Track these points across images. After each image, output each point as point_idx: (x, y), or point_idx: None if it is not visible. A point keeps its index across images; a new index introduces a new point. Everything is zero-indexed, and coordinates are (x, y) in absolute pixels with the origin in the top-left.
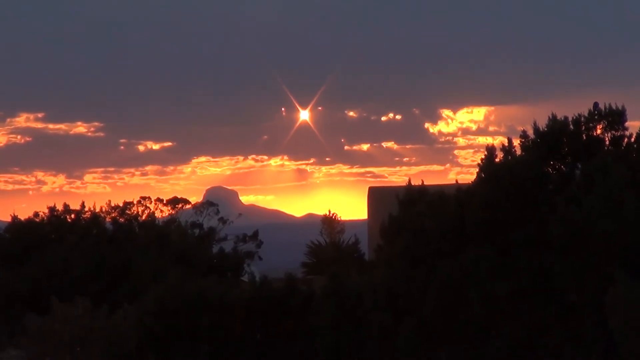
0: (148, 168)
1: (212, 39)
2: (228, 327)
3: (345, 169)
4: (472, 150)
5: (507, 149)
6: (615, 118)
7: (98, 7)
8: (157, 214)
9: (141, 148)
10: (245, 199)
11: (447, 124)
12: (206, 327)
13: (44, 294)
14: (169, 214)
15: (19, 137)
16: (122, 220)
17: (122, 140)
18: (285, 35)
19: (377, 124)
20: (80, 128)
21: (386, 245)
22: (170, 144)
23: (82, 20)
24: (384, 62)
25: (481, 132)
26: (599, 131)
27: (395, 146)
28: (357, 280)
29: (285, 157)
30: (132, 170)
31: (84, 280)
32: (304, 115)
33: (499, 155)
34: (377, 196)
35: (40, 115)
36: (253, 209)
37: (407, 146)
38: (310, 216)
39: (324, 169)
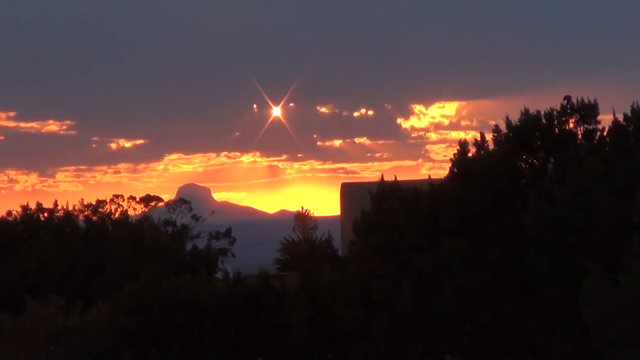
0: (120, 166)
1: (183, 37)
2: (202, 324)
3: (318, 165)
4: (444, 145)
5: (480, 144)
6: (588, 112)
7: (69, 7)
8: (130, 212)
9: (113, 146)
10: (218, 196)
11: (419, 119)
12: (180, 324)
13: (18, 292)
14: (142, 212)
15: None
16: (95, 218)
17: (94, 138)
18: (257, 32)
19: (349, 120)
20: (52, 126)
21: (359, 241)
22: (142, 141)
23: (54, 18)
24: (356, 58)
25: (453, 126)
26: (571, 125)
27: (368, 142)
28: (331, 276)
29: (258, 154)
30: (104, 168)
31: (57, 278)
32: (276, 111)
33: (472, 150)
34: (350, 192)
35: (12, 113)
36: (226, 206)
37: (380, 142)
38: (283, 213)
39: (296, 165)
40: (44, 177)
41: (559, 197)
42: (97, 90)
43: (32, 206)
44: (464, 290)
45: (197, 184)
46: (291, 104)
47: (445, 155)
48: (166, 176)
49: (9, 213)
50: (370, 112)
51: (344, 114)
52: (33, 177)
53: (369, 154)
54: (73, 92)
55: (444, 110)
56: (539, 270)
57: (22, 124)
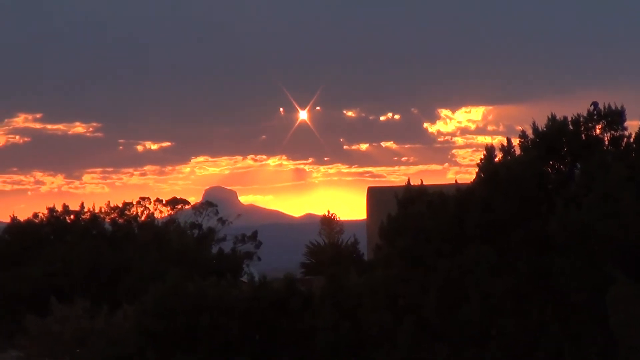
0: (147, 168)
1: (210, 39)
2: (227, 328)
3: (344, 168)
4: (470, 150)
5: (506, 149)
6: (615, 118)
7: (96, 7)
8: (157, 215)
9: (140, 148)
10: (244, 199)
11: (446, 123)
12: (205, 328)
13: (44, 294)
14: (168, 215)
15: (17, 137)
16: (121, 220)
17: (120, 141)
18: (284, 35)
19: (375, 124)
20: (79, 128)
21: (385, 246)
22: (168, 144)
23: (80, 20)
24: (383, 62)
25: (480, 131)
26: (598, 131)
27: (394, 146)
28: (356, 280)
29: (284, 157)
30: (130, 170)
31: (83, 280)
32: (303, 115)
33: (498, 155)
34: (376, 196)
35: (38, 115)
36: (252, 209)
37: (406, 146)
38: (309, 216)
39: (322, 168)
40: (70, 178)
41: (586, 203)
42: (123, 93)
43: (59, 208)
44: (490, 296)
45: (224, 186)
46: (318, 108)
47: (471, 160)
48: (192, 179)
49: (36, 215)
50: (396, 116)
51: (370, 118)
52: (59, 179)
53: (395, 158)
54: (99, 94)
55: (471, 115)
56: (564, 276)
57: (49, 126)
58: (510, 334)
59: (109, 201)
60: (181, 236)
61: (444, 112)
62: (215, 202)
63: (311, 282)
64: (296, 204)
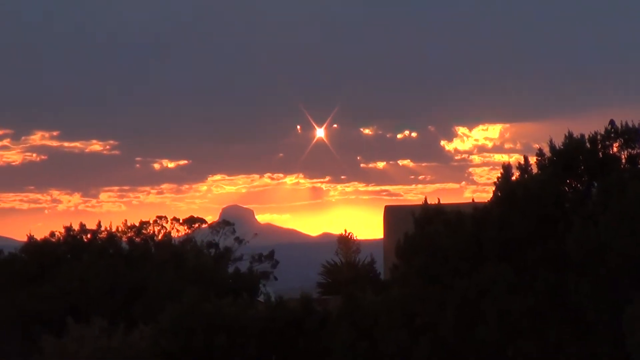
0: (164, 186)
1: (228, 57)
2: (243, 347)
3: (361, 187)
4: (487, 168)
5: (524, 167)
6: (632, 136)
7: (113, 26)
8: (174, 234)
9: (157, 166)
10: (261, 217)
11: (463, 141)
12: (222, 347)
13: (60, 313)
14: (185, 234)
15: (34, 155)
16: (138, 239)
17: (137, 159)
18: (301, 53)
19: (392, 142)
20: (96, 146)
21: (402, 264)
22: (185, 162)
23: (97, 38)
24: (400, 79)
25: (497, 149)
26: (615, 149)
27: (411, 164)
28: (373, 299)
29: (301, 175)
30: (147, 188)
31: (100, 299)
32: (320, 133)
33: (515, 174)
34: (394, 215)
35: (55, 133)
36: (269, 228)
37: (423, 164)
38: (325, 235)
39: (339, 187)
40: (87, 197)
41: (603, 222)
42: (140, 111)
43: (76, 227)
44: (507, 314)
45: (241, 205)
46: (335, 126)
47: (488, 178)
48: (209, 197)
49: (52, 234)
50: (413, 134)
51: (387, 136)
52: (76, 197)
53: (412, 176)
54: (117, 112)
55: (488, 133)
56: (581, 294)
57: (66, 144)
58: (526, 353)
59: (125, 220)
60: (198, 255)
61: (461, 130)
62: (232, 220)
63: (328, 302)
64: (313, 223)
